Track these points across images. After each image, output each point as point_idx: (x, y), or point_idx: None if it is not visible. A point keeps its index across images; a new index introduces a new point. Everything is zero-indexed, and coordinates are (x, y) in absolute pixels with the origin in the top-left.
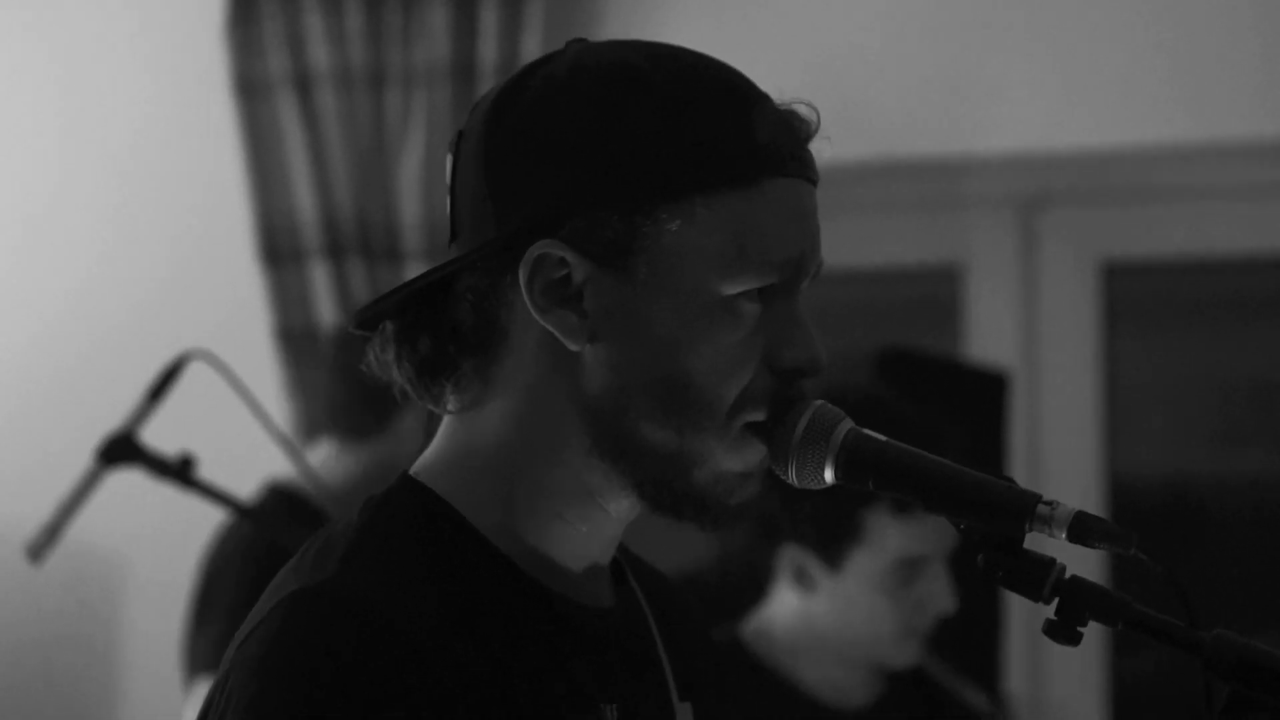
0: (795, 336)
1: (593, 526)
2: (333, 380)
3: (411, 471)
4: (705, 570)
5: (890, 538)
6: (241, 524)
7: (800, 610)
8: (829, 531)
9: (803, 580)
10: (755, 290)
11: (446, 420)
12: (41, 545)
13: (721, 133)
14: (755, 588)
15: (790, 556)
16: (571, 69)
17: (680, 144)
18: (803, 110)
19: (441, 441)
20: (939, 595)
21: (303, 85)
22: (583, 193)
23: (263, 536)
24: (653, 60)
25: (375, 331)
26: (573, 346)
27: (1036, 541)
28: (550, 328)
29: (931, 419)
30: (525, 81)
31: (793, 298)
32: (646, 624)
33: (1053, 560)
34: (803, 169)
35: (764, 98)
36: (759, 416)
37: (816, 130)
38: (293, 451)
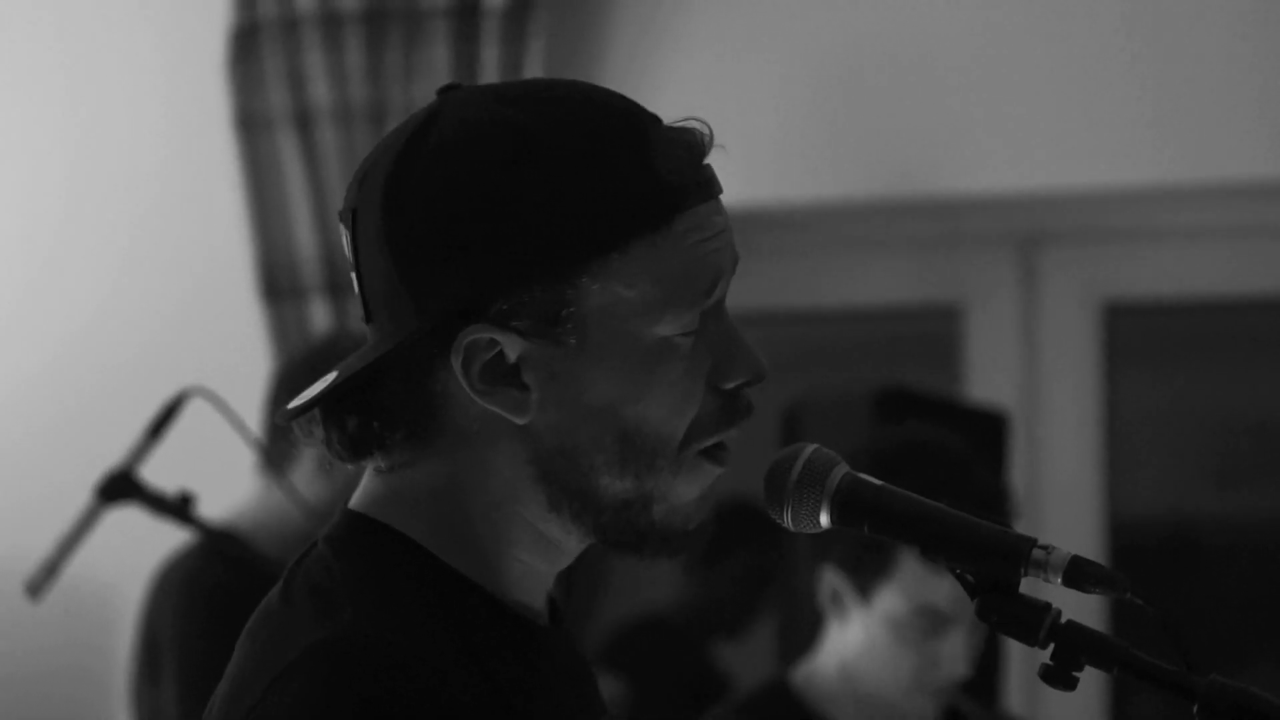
0: (734, 352)
1: (550, 565)
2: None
3: (357, 509)
4: (674, 605)
5: (917, 583)
6: (176, 568)
7: (834, 648)
8: (862, 560)
9: (836, 605)
10: (688, 323)
11: (372, 473)
12: (40, 582)
13: (626, 182)
14: (807, 636)
15: (828, 579)
16: (459, 136)
17: (588, 203)
18: (696, 126)
19: (377, 487)
20: (956, 658)
21: (303, 121)
22: (501, 271)
23: (204, 578)
24: (538, 114)
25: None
26: (519, 421)
27: (1032, 585)
28: (493, 408)
29: (980, 462)
30: (415, 152)
31: (721, 311)
32: (578, 644)
33: (1048, 605)
34: (708, 191)
35: (655, 124)
36: (711, 441)
37: (712, 143)
38: (288, 487)
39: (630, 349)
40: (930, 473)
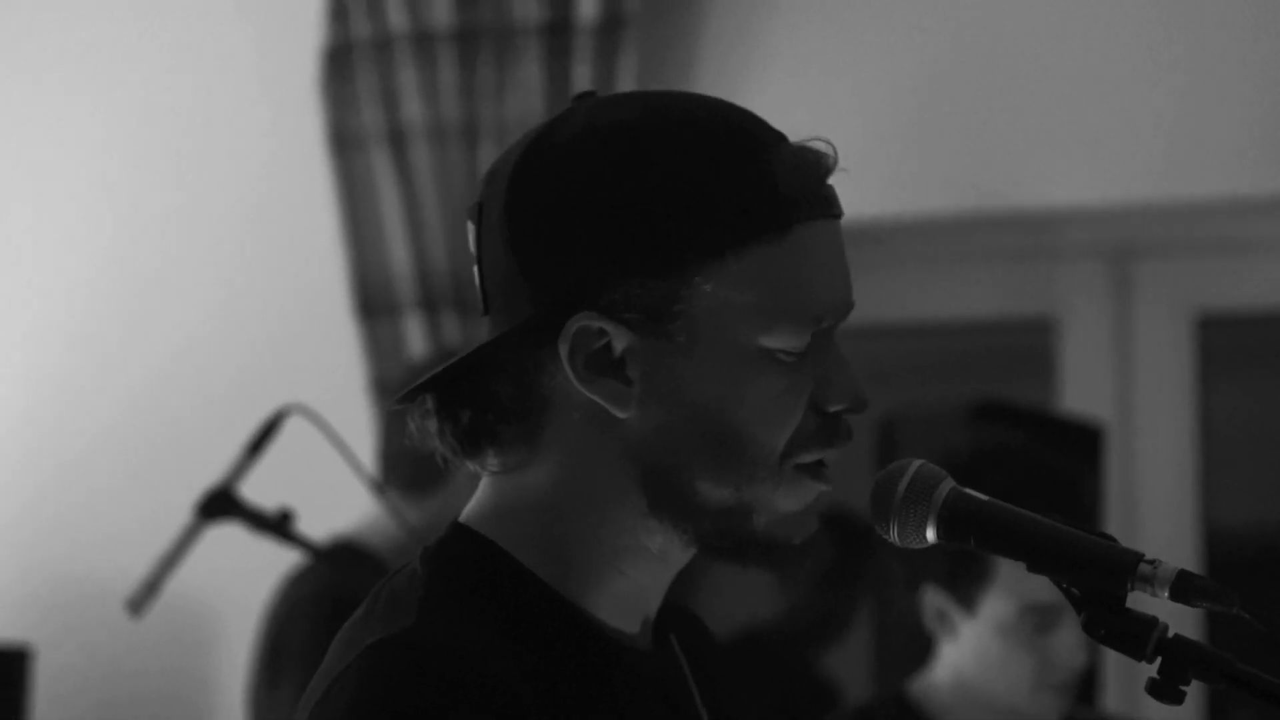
0: (838, 378)
1: (649, 578)
2: (391, 434)
3: (463, 520)
4: (775, 617)
5: (1020, 581)
6: (304, 579)
7: (950, 662)
8: (961, 571)
9: (943, 624)
10: (797, 339)
11: (487, 477)
12: (141, 599)
13: (746, 185)
14: (916, 649)
15: (930, 599)
16: (584, 133)
17: (706, 203)
18: (820, 146)
19: (488, 495)
20: (1072, 649)
21: (397, 140)
22: (615, 263)
23: (331, 589)
24: (666, 116)
25: (414, 404)
26: (619, 414)
27: (1135, 598)
28: (596, 398)
29: (1071, 469)
30: (540, 149)
31: (831, 339)
32: (682, 668)
33: (1155, 619)
34: (828, 208)
35: (781, 140)
36: (810, 458)
37: (835, 164)
38: (389, 503)
39: (734, 355)
40: (1025, 486)
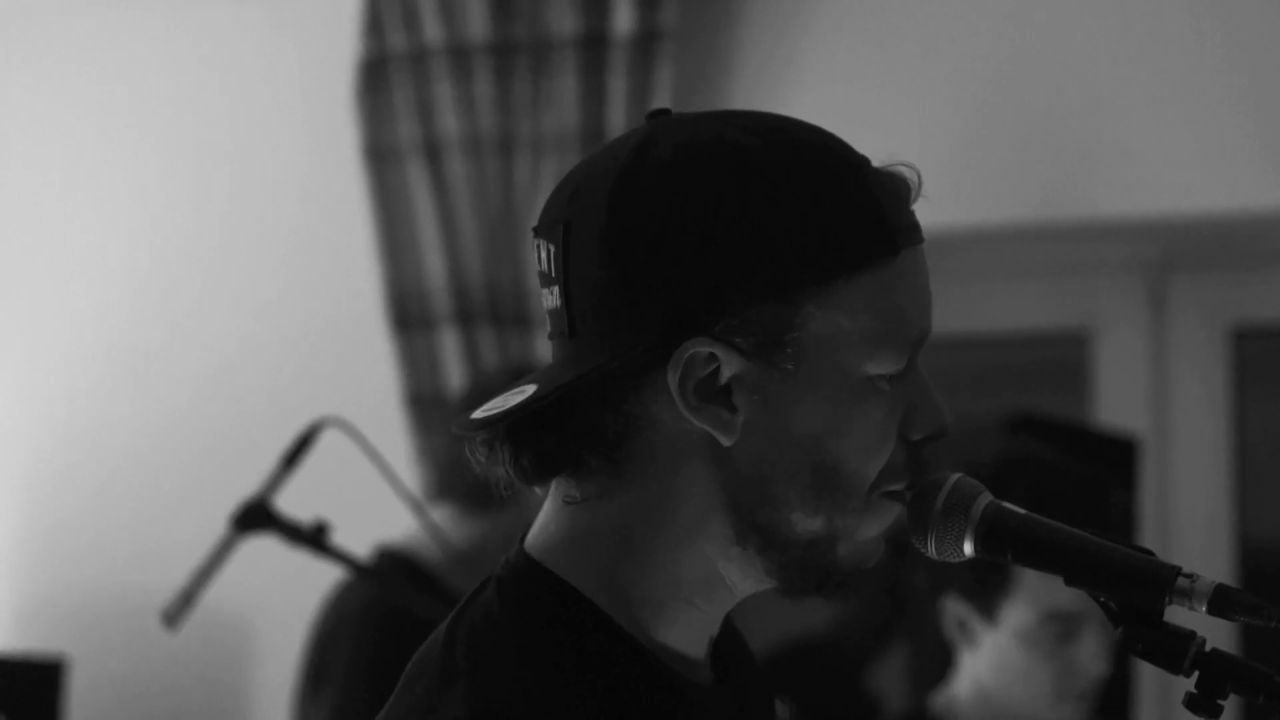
0: (925, 405)
1: (718, 608)
2: (456, 449)
3: (529, 550)
4: (823, 634)
5: (1042, 589)
6: (354, 590)
7: (970, 673)
8: (982, 581)
9: (965, 633)
10: (896, 366)
11: (560, 504)
12: (177, 611)
13: (856, 211)
14: (944, 661)
15: (951, 609)
16: (686, 155)
17: (821, 228)
18: (905, 171)
19: (559, 524)
20: (1094, 657)
21: (433, 153)
22: (728, 287)
23: (380, 601)
24: (757, 137)
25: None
26: (725, 442)
27: (1170, 612)
28: (703, 425)
29: (1099, 480)
30: (639, 169)
31: (917, 367)
32: (746, 702)
33: (1192, 633)
34: (919, 234)
35: (867, 163)
36: (898, 486)
37: (920, 189)
38: (424, 516)
39: (840, 383)
40: (1053, 498)
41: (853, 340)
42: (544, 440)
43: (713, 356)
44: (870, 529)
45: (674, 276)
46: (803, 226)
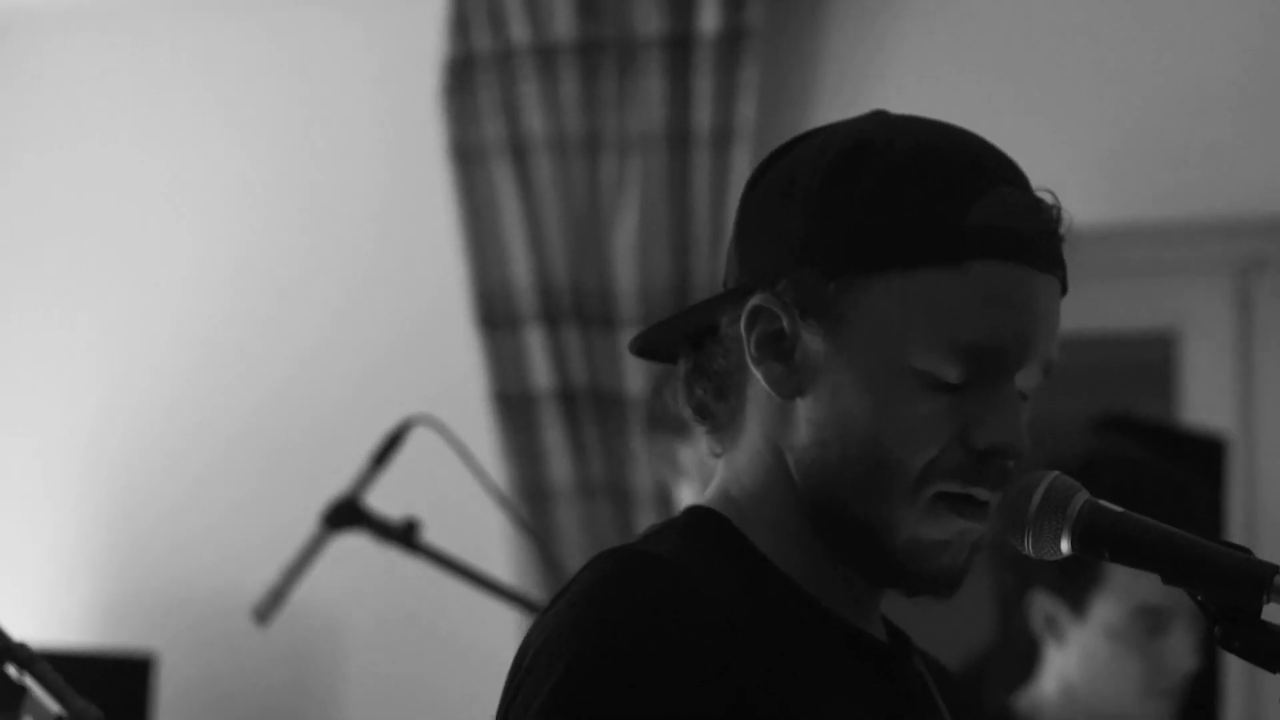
0: (990, 419)
1: (853, 591)
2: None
3: (702, 503)
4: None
5: (1132, 583)
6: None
7: (1056, 670)
8: (1071, 575)
9: (1053, 629)
10: (949, 368)
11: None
12: (268, 608)
13: (932, 210)
14: (1028, 661)
15: (1039, 604)
16: (822, 132)
17: (887, 217)
18: (1043, 196)
19: (716, 479)
20: (1183, 653)
21: (518, 152)
22: (794, 253)
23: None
24: (899, 132)
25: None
26: (778, 397)
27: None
28: (759, 376)
29: (1187, 479)
30: (791, 146)
31: (1000, 383)
32: (927, 683)
33: None
34: (1029, 256)
35: (1004, 181)
36: (950, 488)
37: (1058, 223)
38: (513, 513)
39: (880, 366)
40: (1138, 496)
41: (897, 329)
42: (697, 386)
43: (774, 315)
44: (929, 531)
45: (761, 239)
46: (870, 212)
